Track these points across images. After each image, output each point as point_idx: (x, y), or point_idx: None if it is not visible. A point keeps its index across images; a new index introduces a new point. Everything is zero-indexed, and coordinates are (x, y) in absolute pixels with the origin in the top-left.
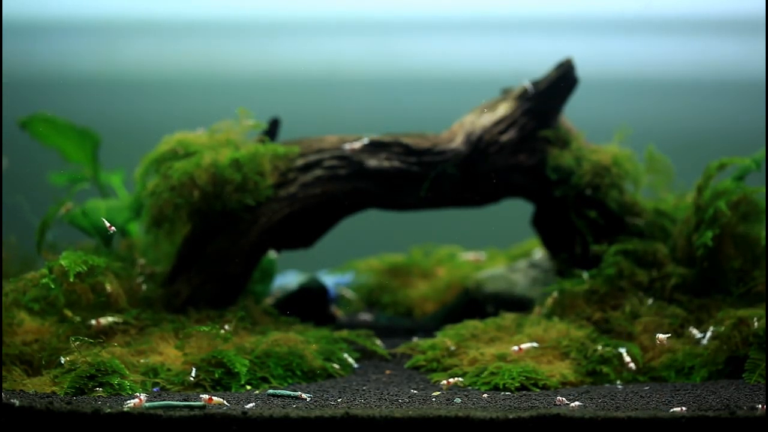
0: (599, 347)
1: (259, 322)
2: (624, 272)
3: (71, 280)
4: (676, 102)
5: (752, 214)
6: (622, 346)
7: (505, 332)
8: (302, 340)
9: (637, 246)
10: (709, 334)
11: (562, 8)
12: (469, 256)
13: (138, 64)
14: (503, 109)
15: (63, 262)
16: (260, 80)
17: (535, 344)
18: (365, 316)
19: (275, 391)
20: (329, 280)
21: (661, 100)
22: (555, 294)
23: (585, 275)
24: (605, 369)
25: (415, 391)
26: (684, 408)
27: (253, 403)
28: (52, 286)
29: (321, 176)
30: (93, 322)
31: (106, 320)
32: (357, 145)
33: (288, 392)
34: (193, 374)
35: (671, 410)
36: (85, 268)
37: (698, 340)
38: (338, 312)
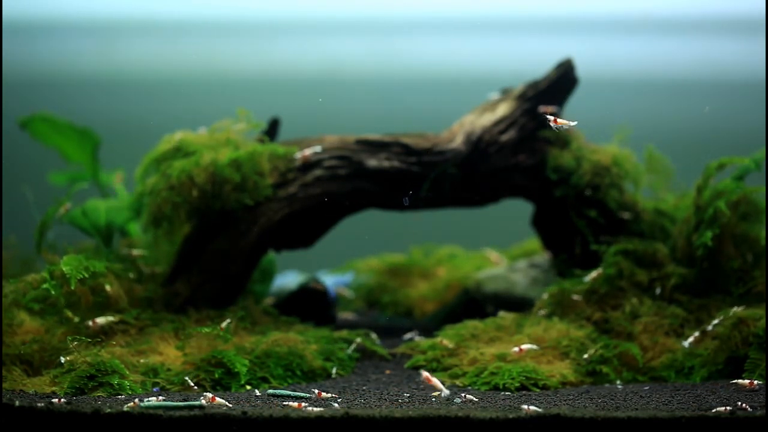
0: (594, 349)
1: (259, 322)
2: (624, 272)
3: (72, 288)
4: (676, 102)
5: (752, 214)
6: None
7: (505, 332)
8: (302, 340)
9: (637, 246)
10: (710, 328)
11: (562, 8)
12: (492, 256)
13: (138, 64)
14: (503, 109)
15: (64, 269)
16: (260, 80)
17: (535, 347)
18: (365, 316)
19: (275, 391)
20: (329, 280)
21: (661, 100)
22: (546, 295)
23: (585, 276)
24: (605, 369)
25: (417, 391)
26: (728, 407)
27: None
28: (53, 292)
29: (321, 176)
30: (90, 323)
31: (103, 320)
32: (308, 152)
33: (288, 392)
34: (190, 381)
35: (714, 410)
36: (87, 275)
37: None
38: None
